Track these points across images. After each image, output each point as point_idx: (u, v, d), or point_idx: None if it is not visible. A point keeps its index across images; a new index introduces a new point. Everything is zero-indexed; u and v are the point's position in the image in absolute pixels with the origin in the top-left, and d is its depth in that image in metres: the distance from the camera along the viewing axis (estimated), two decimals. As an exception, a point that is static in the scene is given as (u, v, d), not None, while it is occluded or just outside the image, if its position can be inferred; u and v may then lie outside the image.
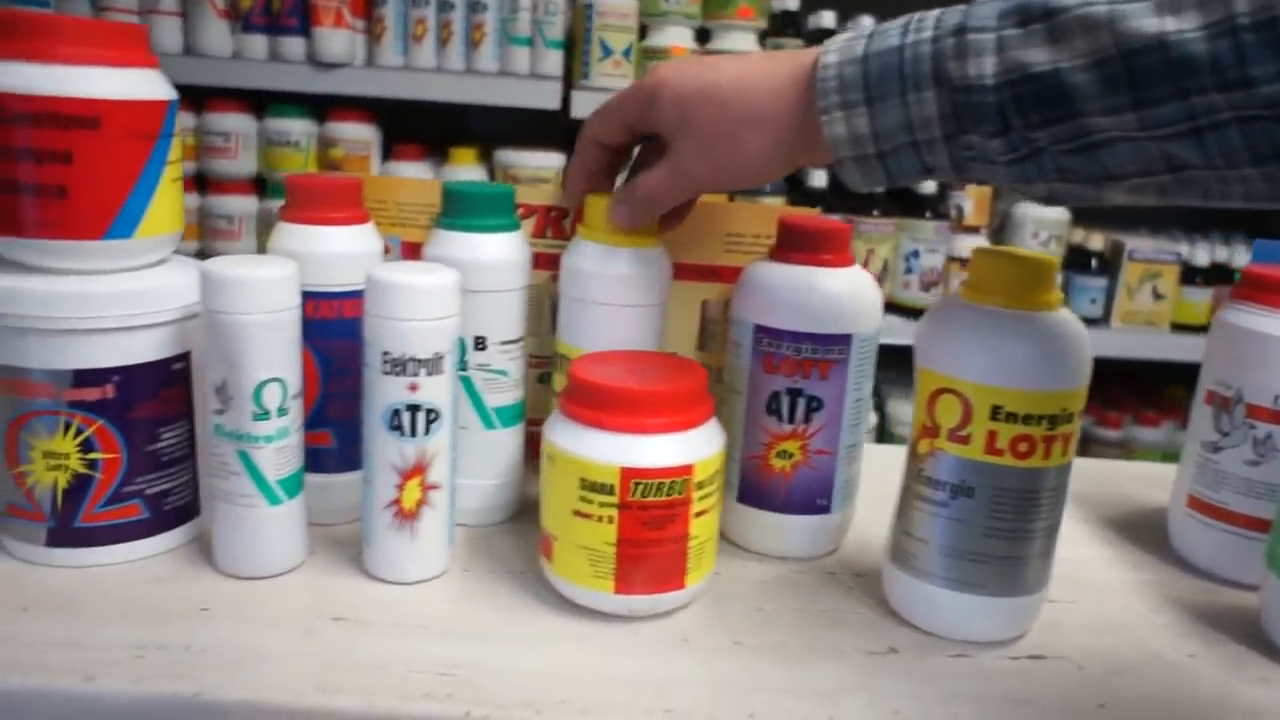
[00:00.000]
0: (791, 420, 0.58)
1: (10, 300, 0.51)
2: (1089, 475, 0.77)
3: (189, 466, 0.58)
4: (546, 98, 1.63)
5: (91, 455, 0.53)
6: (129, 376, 0.53)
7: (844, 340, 0.58)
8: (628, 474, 0.50)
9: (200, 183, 1.75)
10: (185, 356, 0.56)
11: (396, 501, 0.54)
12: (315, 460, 0.59)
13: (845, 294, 0.58)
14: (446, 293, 0.52)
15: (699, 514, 0.51)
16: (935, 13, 0.45)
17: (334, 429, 0.60)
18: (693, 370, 0.54)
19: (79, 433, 0.53)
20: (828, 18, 1.65)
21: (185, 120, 1.72)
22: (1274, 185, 0.40)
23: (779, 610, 0.55)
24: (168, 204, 0.55)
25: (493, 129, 1.80)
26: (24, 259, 0.53)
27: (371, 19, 1.65)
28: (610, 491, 0.50)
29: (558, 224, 0.67)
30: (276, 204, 1.71)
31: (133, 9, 1.65)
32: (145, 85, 0.53)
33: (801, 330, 0.57)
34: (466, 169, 1.70)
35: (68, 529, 0.54)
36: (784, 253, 0.59)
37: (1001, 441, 0.50)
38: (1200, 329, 1.72)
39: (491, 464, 0.62)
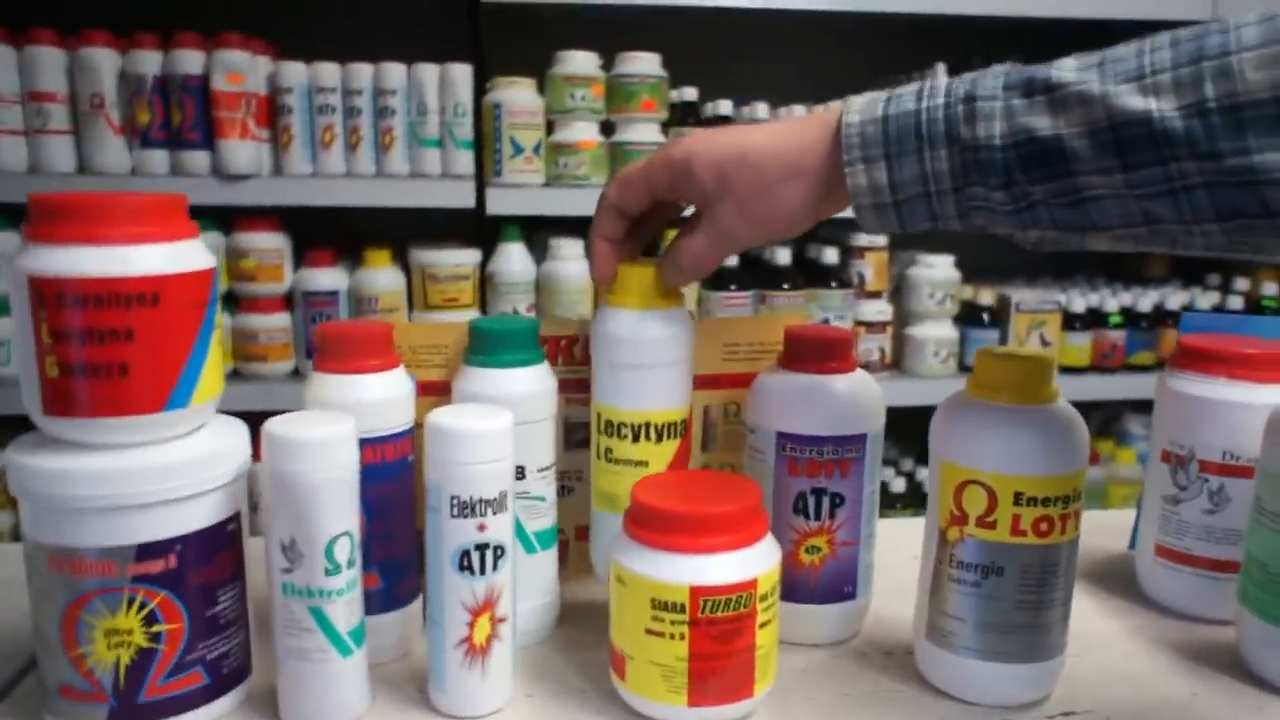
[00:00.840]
0: (818, 517, 0.63)
1: (66, 480, 0.51)
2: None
3: (243, 626, 0.58)
4: (460, 197, 1.66)
5: (155, 628, 0.53)
6: (190, 544, 0.54)
7: (860, 440, 0.63)
8: (697, 592, 0.53)
9: (231, 301, 1.70)
10: (237, 517, 0.57)
11: (468, 639, 0.55)
12: (364, 602, 0.60)
13: (857, 397, 0.63)
14: (507, 434, 0.55)
15: (763, 624, 0.55)
16: (944, 82, 0.51)
17: (379, 569, 0.62)
18: (747, 488, 0.57)
19: (143, 607, 0.53)
20: (725, 106, 1.75)
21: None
22: (1230, 239, 0.48)
23: (830, 697, 0.59)
24: (215, 368, 0.55)
25: (405, 228, 1.81)
26: (81, 438, 0.52)
27: (277, 128, 1.65)
28: (681, 610, 0.53)
29: (568, 351, 0.71)
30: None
31: (18, 129, 1.61)
32: (195, 256, 0.54)
33: (823, 434, 0.62)
34: (381, 270, 1.71)
35: (130, 706, 0.53)
36: (796, 362, 0.64)
37: (1025, 524, 0.55)
38: (1082, 370, 1.87)
39: (537, 585, 0.64)
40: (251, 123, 1.62)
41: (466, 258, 1.70)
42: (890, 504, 1.85)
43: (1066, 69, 0.48)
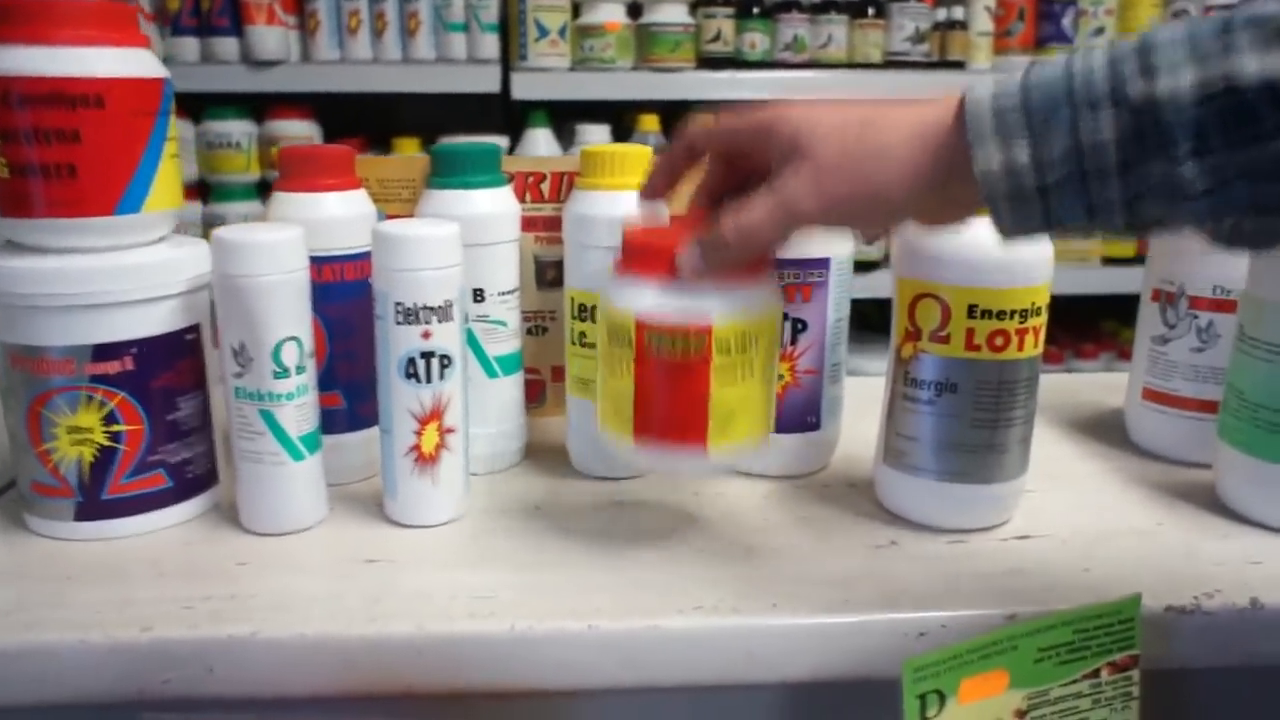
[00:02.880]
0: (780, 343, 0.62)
1: (27, 280, 0.53)
2: (1050, 386, 0.81)
3: (206, 435, 0.59)
4: (486, 81, 1.64)
5: (115, 428, 0.55)
6: (147, 348, 0.55)
7: (823, 264, 0.62)
8: (643, 324, 0.49)
9: None
10: (196, 328, 0.58)
11: (416, 447, 0.56)
12: (326, 421, 0.61)
13: (821, 220, 0.62)
14: (452, 242, 0.55)
15: (721, 375, 0.49)
16: (1102, 44, 0.41)
17: (342, 390, 0.63)
18: None
19: (102, 406, 0.55)
20: (755, -14, 1.70)
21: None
22: None
23: (784, 519, 0.59)
24: (170, 180, 0.56)
25: (433, 116, 1.81)
26: (36, 240, 0.54)
27: (304, 14, 1.65)
28: (627, 340, 0.50)
29: (536, 189, 0.70)
30: (220, 206, 1.71)
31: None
32: (143, 64, 0.54)
33: (784, 256, 0.61)
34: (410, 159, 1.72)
35: (96, 502, 0.56)
36: (759, 187, 0.63)
37: (979, 338, 0.54)
38: (1129, 261, 1.81)
39: (496, 411, 0.65)
40: (278, 8, 1.62)
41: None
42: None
43: (1271, 3, 0.36)
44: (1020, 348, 0.55)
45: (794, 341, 0.62)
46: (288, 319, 0.54)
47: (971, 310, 0.54)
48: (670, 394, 0.50)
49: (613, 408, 0.53)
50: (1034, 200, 0.40)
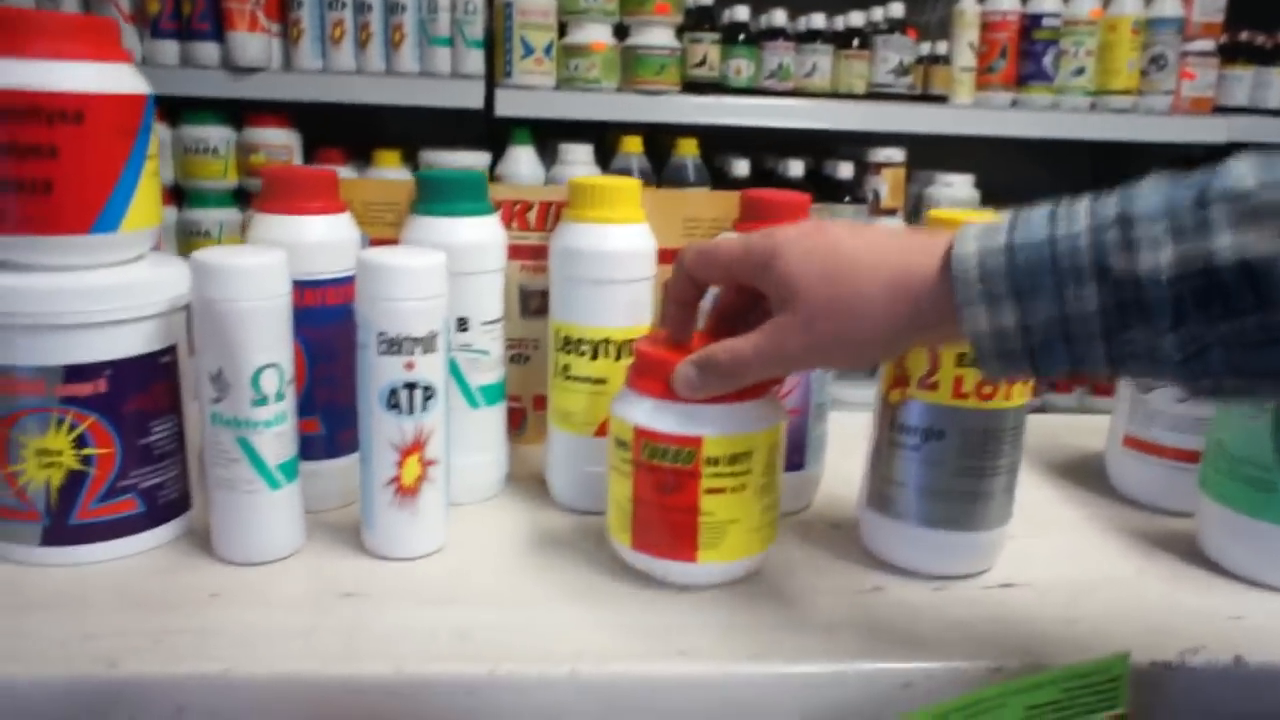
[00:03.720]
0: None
1: (2, 298, 0.51)
2: (1030, 428, 0.81)
3: (179, 460, 0.58)
4: (469, 97, 1.63)
5: (86, 451, 0.53)
6: (120, 370, 0.54)
7: (812, 304, 0.61)
8: (639, 434, 0.52)
9: None
10: (172, 350, 0.56)
11: (396, 479, 0.55)
12: (304, 447, 0.60)
13: (811, 260, 0.61)
14: (437, 272, 0.54)
15: (713, 490, 0.52)
16: (1085, 202, 0.42)
17: (321, 415, 0.61)
18: None
19: (72, 428, 0.53)
20: (742, 11, 1.70)
21: (95, 131, 1.66)
22: None
23: (767, 562, 0.59)
24: (149, 198, 0.55)
25: (415, 130, 1.80)
26: (10, 256, 0.52)
27: (287, 22, 1.63)
28: (627, 448, 0.53)
29: (522, 217, 0.69)
30: (196, 213, 1.69)
31: (32, 18, 1.60)
32: (124, 79, 0.53)
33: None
34: (390, 170, 1.70)
35: (63, 527, 0.54)
36: (746, 224, 0.63)
37: (967, 386, 0.54)
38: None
39: (478, 441, 0.64)
40: (261, 15, 1.59)
41: (475, 160, 1.68)
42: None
43: (1246, 175, 0.38)
44: (1008, 396, 0.54)
45: (779, 381, 0.62)
46: (268, 345, 0.53)
47: (960, 358, 0.53)
48: (662, 504, 0.53)
49: (616, 511, 0.55)
50: (1021, 358, 0.42)
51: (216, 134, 1.67)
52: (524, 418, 0.74)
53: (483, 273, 0.62)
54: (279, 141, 1.69)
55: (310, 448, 0.61)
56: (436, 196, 0.62)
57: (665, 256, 0.68)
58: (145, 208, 0.55)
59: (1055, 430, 0.85)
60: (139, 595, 0.52)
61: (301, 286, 0.58)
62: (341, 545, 0.58)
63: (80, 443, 0.53)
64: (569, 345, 0.62)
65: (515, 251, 0.69)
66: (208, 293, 0.52)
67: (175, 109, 1.68)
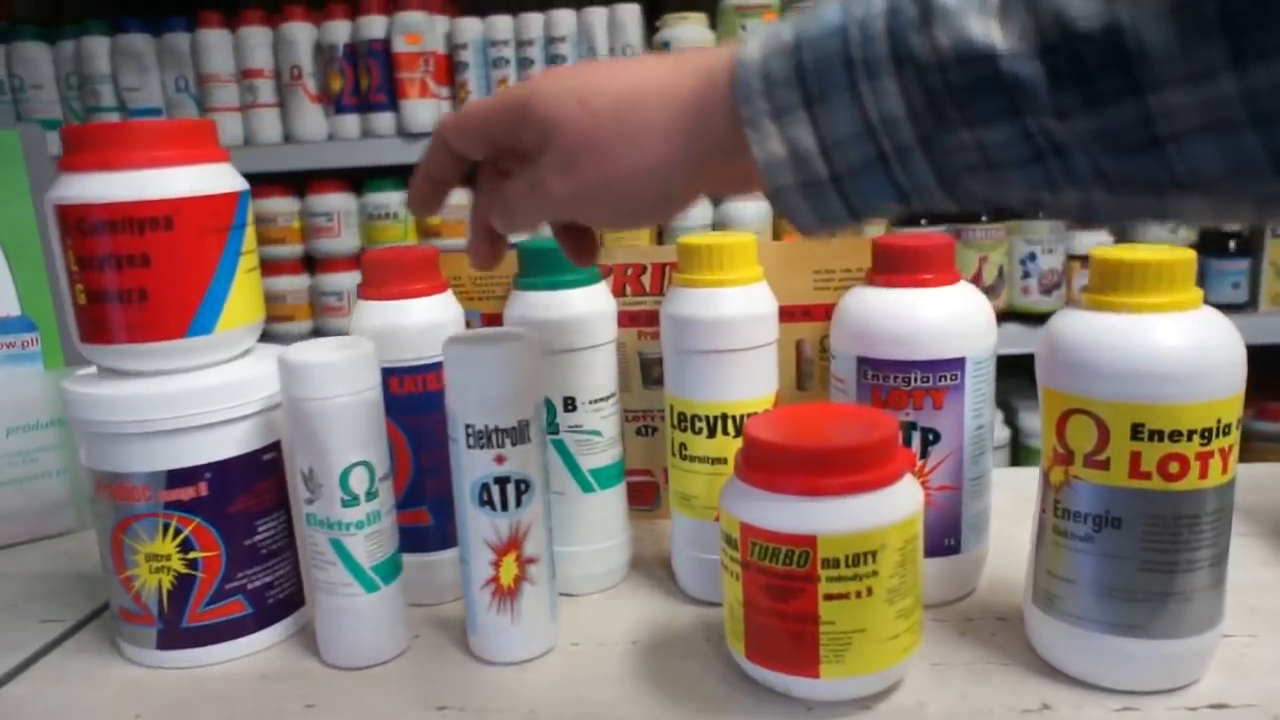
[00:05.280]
0: (907, 457, 0.54)
1: (106, 407, 0.51)
2: (1255, 482, 0.69)
3: (289, 557, 0.57)
4: (632, 141, 1.61)
5: (191, 555, 0.53)
6: (221, 472, 0.53)
7: (957, 365, 0.53)
8: (747, 530, 0.46)
9: (309, 263, 1.81)
10: (275, 446, 0.55)
11: (494, 579, 0.51)
12: (414, 539, 0.58)
13: (953, 315, 0.53)
14: (525, 355, 0.50)
15: (832, 596, 0.45)
16: None
17: (429, 506, 0.59)
18: (879, 423, 0.47)
19: (177, 533, 0.53)
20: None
21: (290, 204, 1.77)
22: None
23: (917, 665, 0.50)
24: (246, 295, 0.54)
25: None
26: (114, 364, 0.53)
27: (454, 84, 1.68)
28: (735, 545, 0.47)
29: (636, 281, 0.65)
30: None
31: (234, 105, 1.73)
32: (215, 179, 0.53)
33: (909, 358, 0.53)
34: (560, 221, 1.71)
35: (175, 630, 0.54)
36: (882, 276, 0.55)
37: (1147, 464, 0.44)
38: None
39: (592, 528, 0.60)
40: (430, 81, 1.65)
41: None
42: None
43: None
44: (1204, 475, 0.44)
45: (924, 455, 0.54)
46: (355, 443, 0.51)
47: (1137, 431, 0.44)
48: (775, 611, 0.46)
49: (729, 614, 0.49)
50: (828, 189, 0.34)
51: (395, 199, 1.73)
52: (657, 492, 0.69)
53: (590, 347, 0.58)
54: (453, 201, 1.73)
55: (421, 540, 0.59)
56: (537, 267, 0.58)
57: (794, 314, 0.62)
58: (243, 305, 0.54)
59: (1291, 487, 0.71)
60: (240, 706, 0.50)
61: (401, 373, 0.56)
62: (447, 646, 0.55)
63: (185, 547, 0.53)
64: (684, 422, 0.56)
65: (631, 318, 0.65)
66: (292, 391, 0.50)
67: (359, 179, 1.76)
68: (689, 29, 1.59)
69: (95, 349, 0.53)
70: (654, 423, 0.67)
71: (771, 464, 0.46)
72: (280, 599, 0.56)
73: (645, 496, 0.69)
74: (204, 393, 0.52)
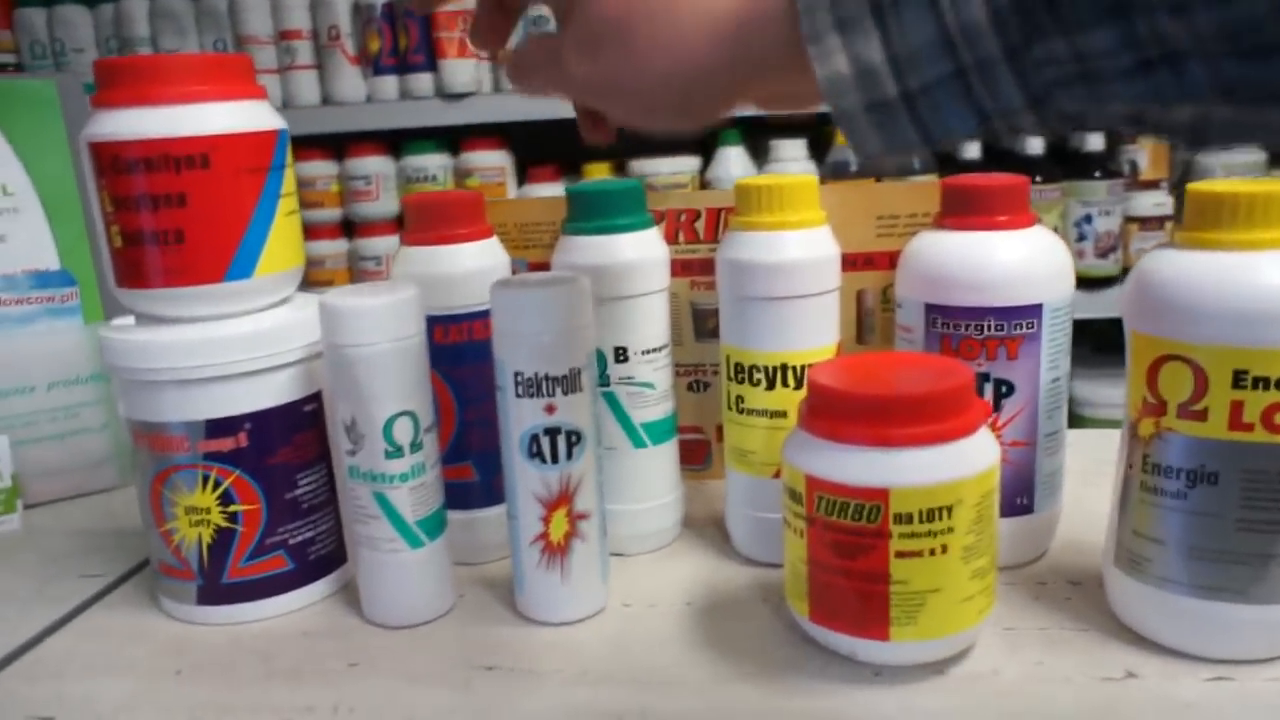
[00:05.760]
0: (979, 410, 0.51)
1: (143, 354, 0.50)
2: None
3: (330, 513, 0.55)
4: (675, 101, 1.58)
5: (231, 508, 0.51)
6: (261, 422, 0.51)
7: (1033, 311, 0.50)
8: (813, 484, 0.43)
9: (347, 227, 1.80)
10: (316, 397, 0.54)
11: (543, 535, 0.49)
12: (458, 496, 0.56)
13: (1030, 258, 0.50)
14: (577, 298, 0.48)
15: (905, 554, 0.42)
16: None
17: (475, 461, 0.57)
18: (953, 371, 0.45)
19: (217, 485, 0.51)
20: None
21: (328, 167, 1.76)
22: None
23: (988, 630, 0.48)
24: (285, 239, 0.52)
25: (624, 141, 1.77)
26: (151, 310, 0.51)
27: (494, 45, 1.65)
28: (800, 500, 0.44)
29: (690, 227, 0.62)
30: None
31: (272, 68, 1.71)
32: (253, 116, 0.50)
33: (982, 305, 0.49)
34: (601, 184, 1.68)
35: (216, 586, 0.52)
36: (952, 219, 0.52)
37: (1250, 414, 0.41)
38: None
39: (644, 485, 0.57)
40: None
41: (684, 164, 1.63)
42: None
43: None
44: (1311, 426, 0.41)
45: (997, 407, 0.51)
46: (399, 392, 0.49)
47: (1239, 378, 0.41)
48: (843, 570, 0.43)
49: (791, 573, 0.46)
50: (900, 110, 0.30)
51: (434, 162, 1.71)
52: (708, 450, 0.67)
53: (642, 295, 0.55)
54: (492, 164, 1.71)
55: (465, 496, 0.57)
56: (586, 212, 0.55)
57: (855, 262, 0.59)
58: (282, 250, 0.52)
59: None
60: (281, 662, 0.49)
61: (446, 322, 0.54)
62: (494, 606, 0.53)
63: (225, 499, 0.51)
64: (741, 373, 0.54)
65: (685, 267, 0.62)
66: (333, 337, 0.48)
67: (398, 142, 1.74)
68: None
69: (131, 294, 0.51)
70: (706, 378, 0.65)
71: (840, 413, 0.43)
72: (322, 555, 0.55)
73: (696, 456, 0.66)
74: (244, 339, 0.50)
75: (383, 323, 0.47)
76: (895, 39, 0.29)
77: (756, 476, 0.55)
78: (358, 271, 1.78)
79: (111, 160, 0.48)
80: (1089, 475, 0.58)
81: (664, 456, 0.58)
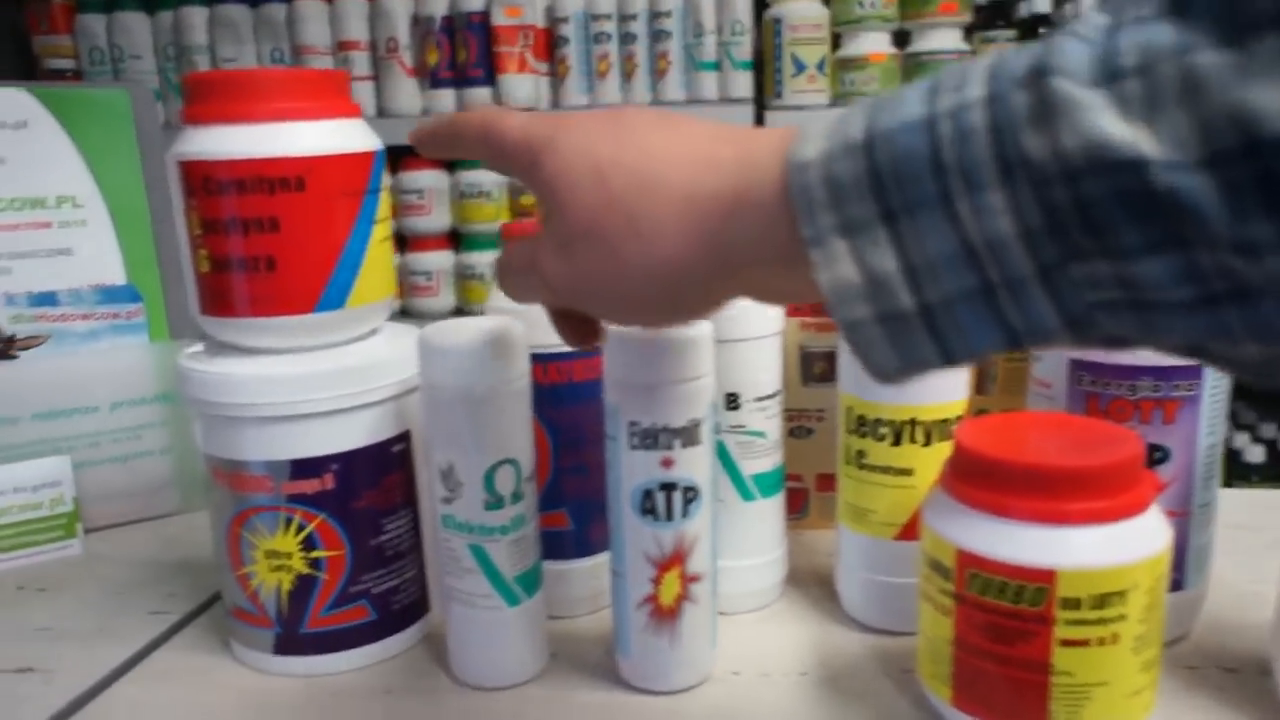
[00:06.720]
0: (1131, 476, 0.46)
1: (227, 388, 0.46)
2: None
3: (415, 560, 0.51)
4: (739, 121, 1.54)
5: (315, 554, 0.48)
6: (349, 463, 0.48)
7: (1194, 372, 0.45)
8: (964, 559, 0.39)
9: (399, 241, 1.77)
10: (405, 436, 0.50)
11: (653, 598, 0.45)
12: (550, 545, 0.52)
13: (1195, 313, 0.45)
14: (701, 346, 0.44)
15: (1069, 642, 0.38)
16: (984, 62, 0.25)
17: (569, 509, 0.53)
18: (1119, 438, 0.41)
19: (300, 529, 0.47)
20: (1041, 2, 1.50)
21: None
22: None
23: (1139, 722, 0.43)
24: (378, 268, 0.49)
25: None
26: (236, 340, 0.48)
27: (554, 60, 1.62)
28: (947, 575, 0.40)
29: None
30: (471, 256, 1.71)
31: (328, 78, 1.69)
32: (350, 136, 0.47)
33: (1138, 363, 0.45)
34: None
35: (295, 635, 0.49)
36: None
37: None
38: None
39: (752, 541, 0.53)
40: (529, 55, 1.60)
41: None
42: (1243, 475, 1.53)
43: None
44: None
45: (1157, 484, 0.46)
46: (503, 438, 0.45)
47: None
48: (997, 656, 0.39)
49: (929, 651, 0.42)
50: (915, 324, 0.26)
51: (489, 178, 1.69)
52: (805, 500, 0.63)
53: (757, 338, 0.51)
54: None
55: (557, 546, 0.53)
56: (697, 248, 0.51)
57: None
58: (375, 279, 0.49)
59: None
60: (365, 726, 0.45)
61: (544, 361, 0.50)
62: (589, 667, 0.49)
63: (308, 544, 0.48)
64: (864, 427, 0.50)
65: (795, 307, 0.58)
66: (434, 377, 0.45)
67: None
68: (800, 5, 1.51)
69: (217, 321, 0.48)
70: (809, 424, 0.61)
71: (999, 482, 0.39)
72: (405, 605, 0.51)
73: (794, 505, 0.62)
74: (334, 375, 0.47)
75: (489, 362, 0.44)
76: (911, 247, 0.25)
77: (876, 537, 0.50)
78: (407, 286, 1.75)
79: (203, 181, 0.45)
80: (1230, 543, 0.53)
81: (772, 510, 0.54)
